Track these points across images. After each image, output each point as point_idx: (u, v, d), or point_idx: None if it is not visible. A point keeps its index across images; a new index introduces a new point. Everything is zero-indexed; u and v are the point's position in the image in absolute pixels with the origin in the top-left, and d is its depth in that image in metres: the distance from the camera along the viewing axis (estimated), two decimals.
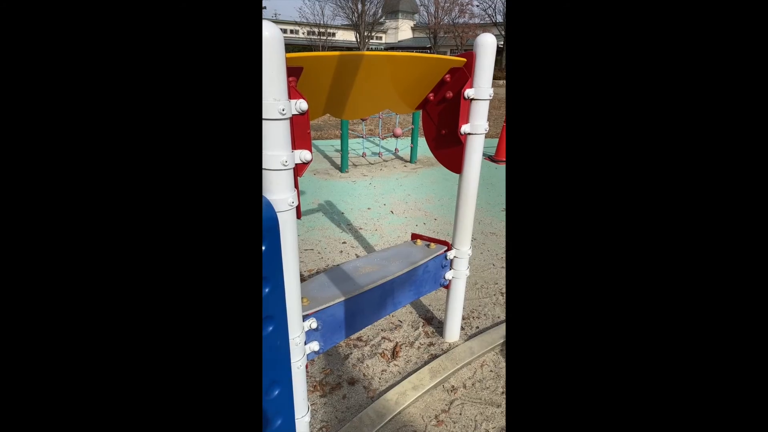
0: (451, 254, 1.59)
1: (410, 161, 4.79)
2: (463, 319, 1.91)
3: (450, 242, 1.61)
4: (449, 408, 1.43)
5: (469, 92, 1.29)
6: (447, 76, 1.33)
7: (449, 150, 1.45)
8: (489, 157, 5.10)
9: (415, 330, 1.84)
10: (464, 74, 1.29)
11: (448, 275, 1.63)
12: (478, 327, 1.87)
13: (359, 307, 1.31)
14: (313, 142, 5.69)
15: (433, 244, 1.62)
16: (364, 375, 1.57)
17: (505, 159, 4.96)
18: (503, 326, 1.85)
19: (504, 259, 2.54)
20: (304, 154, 0.88)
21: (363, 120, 4.81)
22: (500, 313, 1.99)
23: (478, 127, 1.35)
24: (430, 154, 5.05)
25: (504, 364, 1.65)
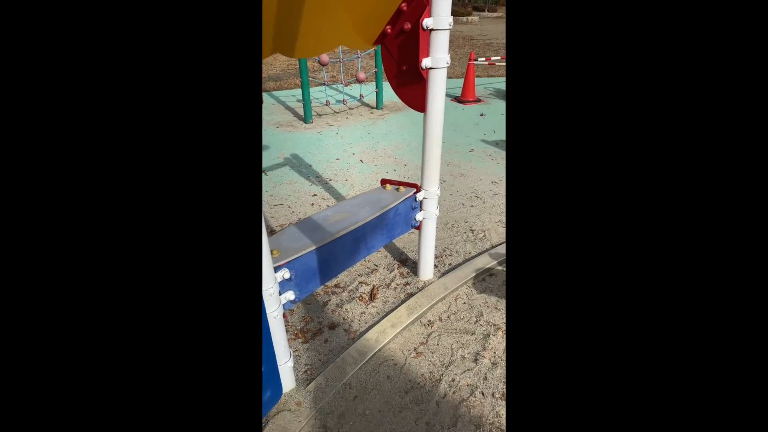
0: (420, 196, 1.60)
1: (376, 107, 4.64)
2: (436, 257, 1.97)
3: (419, 184, 1.61)
4: (427, 340, 1.51)
5: (427, 22, 1.22)
6: (404, 4, 1.24)
7: (411, 87, 1.39)
8: (455, 98, 5.00)
9: (391, 272, 1.89)
10: (422, 2, 1.20)
11: (419, 216, 1.64)
12: (450, 264, 1.94)
13: (332, 254, 1.31)
14: (273, 92, 5.37)
15: (402, 188, 1.61)
16: (343, 319, 1.62)
17: (471, 99, 4.89)
18: (474, 261, 1.93)
19: (473, 198, 2.59)
20: None
21: (323, 65, 4.54)
22: (471, 249, 2.06)
23: (440, 60, 1.29)
24: (396, 99, 4.89)
25: (476, 295, 1.75)
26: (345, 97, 4.79)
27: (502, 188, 2.72)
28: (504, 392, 1.30)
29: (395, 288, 1.78)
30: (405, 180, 2.79)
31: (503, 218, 2.35)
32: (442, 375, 1.36)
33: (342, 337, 1.53)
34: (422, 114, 1.44)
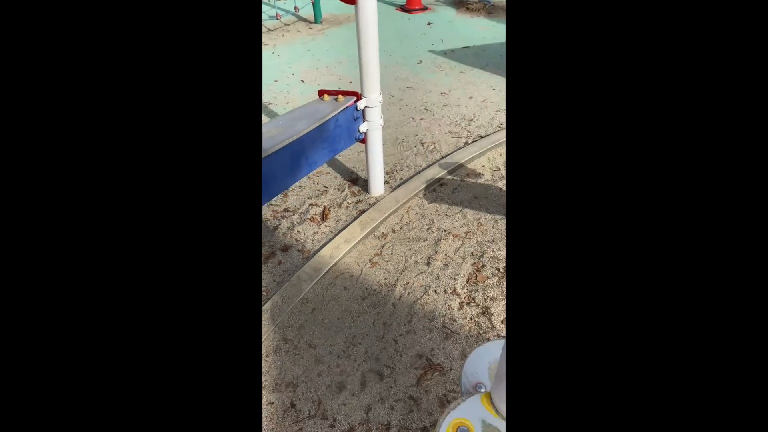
0: (361, 104, 1.50)
1: (315, 21, 4.20)
2: (387, 173, 1.94)
3: (359, 92, 1.50)
4: (381, 251, 1.53)
5: None
6: None
7: None
8: (400, 8, 4.61)
9: (342, 192, 1.84)
10: None
11: (363, 128, 1.56)
12: (401, 179, 1.92)
13: (269, 172, 1.23)
14: None
15: (341, 96, 1.50)
16: (296, 240, 1.59)
17: (417, 8, 4.53)
18: (425, 173, 1.92)
19: (422, 111, 2.51)
20: None
21: None
22: (421, 162, 2.04)
23: None
24: (336, 11, 4.43)
25: (428, 205, 1.76)
26: (278, 11, 4.27)
27: (451, 99, 2.65)
28: (455, 288, 1.37)
29: (347, 206, 1.76)
30: None
31: (453, 128, 2.32)
32: (396, 280, 1.41)
33: (296, 257, 1.52)
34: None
